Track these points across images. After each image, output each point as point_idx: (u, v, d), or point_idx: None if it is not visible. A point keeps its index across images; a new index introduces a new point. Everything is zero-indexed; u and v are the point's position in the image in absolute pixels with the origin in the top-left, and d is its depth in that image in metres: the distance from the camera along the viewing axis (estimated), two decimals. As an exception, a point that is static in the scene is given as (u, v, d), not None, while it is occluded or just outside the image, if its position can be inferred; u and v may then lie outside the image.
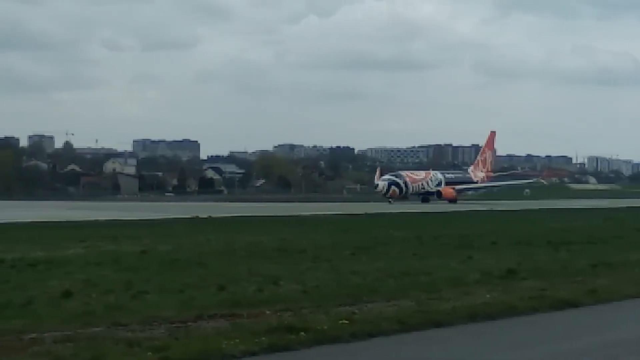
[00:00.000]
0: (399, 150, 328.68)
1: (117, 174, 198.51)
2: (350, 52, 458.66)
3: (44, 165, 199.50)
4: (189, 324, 17.27)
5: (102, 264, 28.58)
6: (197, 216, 67.37)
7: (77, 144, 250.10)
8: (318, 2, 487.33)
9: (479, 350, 16.68)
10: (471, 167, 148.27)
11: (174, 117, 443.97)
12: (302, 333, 16.39)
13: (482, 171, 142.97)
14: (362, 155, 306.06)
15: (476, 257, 31.74)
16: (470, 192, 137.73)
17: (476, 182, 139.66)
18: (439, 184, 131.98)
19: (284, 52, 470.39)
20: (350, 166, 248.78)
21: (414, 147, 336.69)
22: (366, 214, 76.11)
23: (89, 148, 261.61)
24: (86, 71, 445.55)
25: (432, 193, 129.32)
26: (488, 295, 21.77)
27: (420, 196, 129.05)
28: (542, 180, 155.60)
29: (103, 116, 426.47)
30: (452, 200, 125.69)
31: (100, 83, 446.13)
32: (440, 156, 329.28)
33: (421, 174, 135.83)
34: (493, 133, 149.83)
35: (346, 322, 17.54)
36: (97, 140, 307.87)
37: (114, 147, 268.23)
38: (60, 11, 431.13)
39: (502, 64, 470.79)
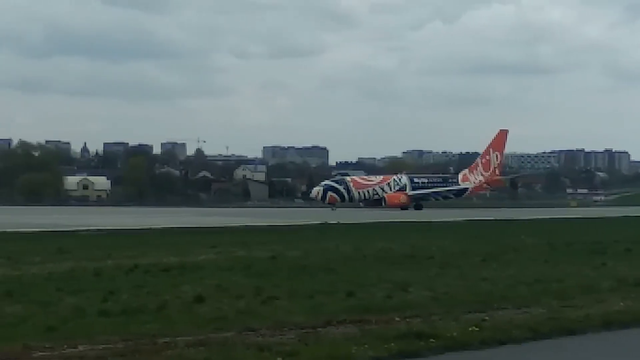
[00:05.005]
0: (528, 156, 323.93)
1: (247, 181, 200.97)
2: (477, 57, 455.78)
3: (176, 172, 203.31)
4: (319, 329, 17.32)
5: (233, 269, 28.92)
6: (326, 222, 67.69)
7: (208, 151, 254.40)
8: (443, 8, 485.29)
9: (613, 359, 16.32)
10: (465, 171, 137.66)
11: (302, 123, 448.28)
12: (432, 339, 16.28)
13: (482, 175, 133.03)
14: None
15: (610, 264, 31.09)
16: (438, 199, 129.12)
17: (464, 187, 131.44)
18: (402, 189, 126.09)
19: (408, 58, 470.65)
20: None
21: (544, 152, 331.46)
22: (496, 220, 75.41)
23: (220, 155, 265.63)
24: (215, 79, 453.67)
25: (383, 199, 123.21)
26: (622, 303, 21.27)
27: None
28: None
29: (233, 123, 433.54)
30: (404, 207, 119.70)
31: (230, 90, 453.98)
32: (572, 162, 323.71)
33: (375, 179, 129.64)
34: (503, 132, 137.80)
35: (476, 329, 17.36)
36: (227, 147, 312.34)
37: (244, 154, 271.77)
38: (188, 20, 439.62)
39: (634, 67, 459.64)
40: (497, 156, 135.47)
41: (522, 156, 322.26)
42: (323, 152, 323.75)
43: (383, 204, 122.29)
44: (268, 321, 17.87)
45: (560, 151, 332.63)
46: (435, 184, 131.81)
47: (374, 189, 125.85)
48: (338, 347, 15.43)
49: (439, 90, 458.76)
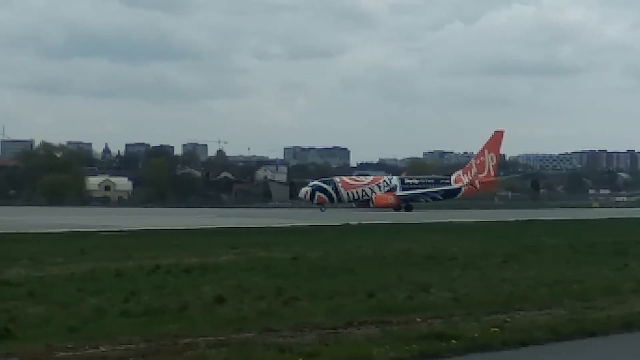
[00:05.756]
0: (550, 157, 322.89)
1: (268, 182, 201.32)
2: (497, 58, 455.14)
3: (198, 173, 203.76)
4: (339, 330, 17.32)
5: (254, 270, 28.94)
6: (347, 223, 67.69)
7: (229, 152, 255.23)
8: (463, 8, 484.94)
9: (635, 360, 16.29)
10: (459, 172, 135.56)
11: (323, 124, 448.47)
12: (453, 341, 16.25)
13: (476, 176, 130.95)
14: (513, 161, 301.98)
15: (632, 265, 30.96)
16: (428, 200, 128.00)
17: (455, 188, 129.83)
18: (392, 190, 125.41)
19: (428, 59, 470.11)
20: (501, 173, 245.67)
21: (566, 153, 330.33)
22: (517, 220, 75.20)
23: (241, 156, 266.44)
24: (236, 80, 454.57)
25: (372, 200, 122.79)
26: (644, 305, 21.19)
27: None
28: None
29: (254, 124, 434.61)
30: (396, 208, 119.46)
31: (250, 91, 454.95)
32: (594, 162, 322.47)
33: (364, 180, 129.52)
34: (498, 133, 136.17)
35: (497, 330, 17.33)
36: (249, 148, 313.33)
37: (265, 155, 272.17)
38: (208, 21, 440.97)
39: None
40: (492, 157, 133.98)
41: (545, 157, 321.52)
42: (344, 152, 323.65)
43: (371, 204, 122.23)
44: (289, 322, 17.89)
45: (583, 152, 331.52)
46: (427, 185, 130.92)
47: (363, 189, 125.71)
48: (359, 348, 15.43)
49: (460, 91, 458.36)
